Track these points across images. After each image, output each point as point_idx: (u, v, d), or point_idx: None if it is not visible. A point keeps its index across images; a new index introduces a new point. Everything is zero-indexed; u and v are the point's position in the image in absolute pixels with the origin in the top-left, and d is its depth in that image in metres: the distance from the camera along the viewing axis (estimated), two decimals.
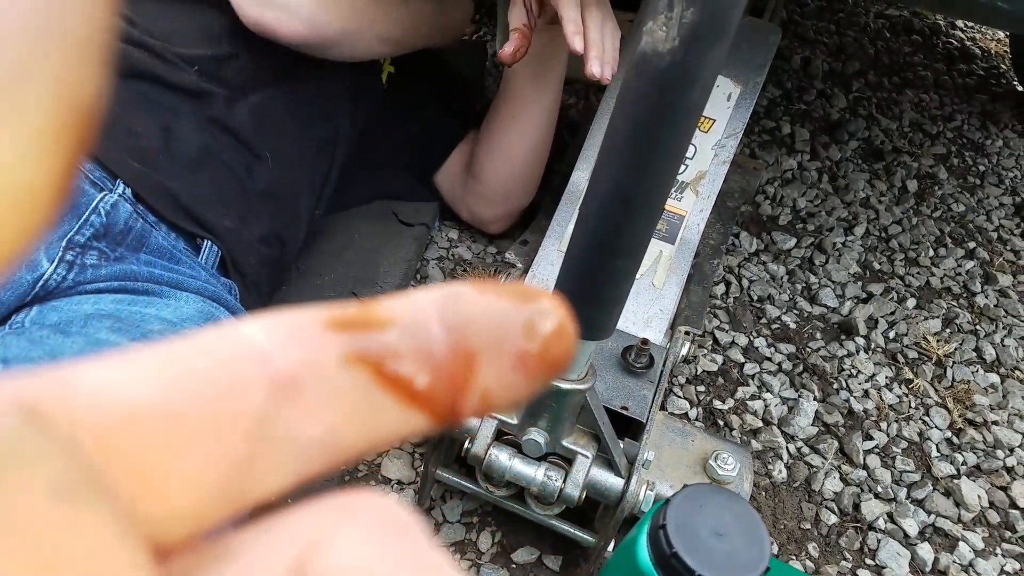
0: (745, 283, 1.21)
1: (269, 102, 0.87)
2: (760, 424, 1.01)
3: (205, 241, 0.78)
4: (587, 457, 0.68)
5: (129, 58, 0.76)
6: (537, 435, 0.67)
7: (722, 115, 0.89)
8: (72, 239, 0.65)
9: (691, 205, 0.91)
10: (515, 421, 0.69)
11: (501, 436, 0.71)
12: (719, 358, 1.09)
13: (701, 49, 0.43)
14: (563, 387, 0.62)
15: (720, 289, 1.20)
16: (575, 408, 0.66)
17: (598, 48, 0.82)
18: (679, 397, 1.03)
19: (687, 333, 0.88)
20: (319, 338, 0.12)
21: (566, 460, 0.70)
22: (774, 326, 1.16)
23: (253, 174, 0.84)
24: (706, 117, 0.89)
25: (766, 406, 1.04)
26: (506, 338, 0.13)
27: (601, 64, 0.82)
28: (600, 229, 0.52)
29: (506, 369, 0.13)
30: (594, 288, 0.54)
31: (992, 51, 1.93)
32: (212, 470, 0.11)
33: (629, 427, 0.77)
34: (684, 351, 0.89)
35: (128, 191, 0.71)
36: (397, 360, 0.12)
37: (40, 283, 0.64)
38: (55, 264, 0.64)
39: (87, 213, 0.67)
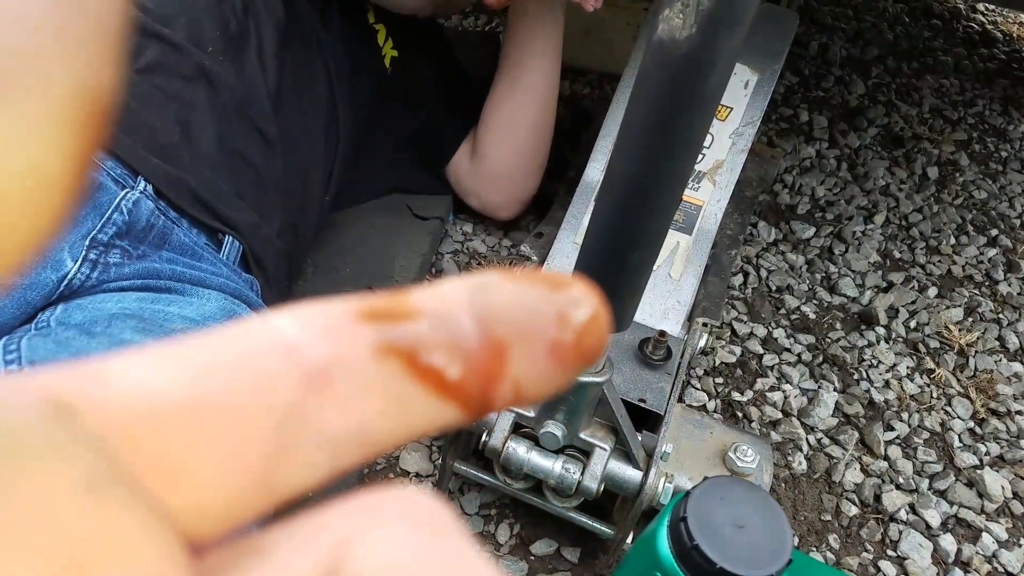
0: (764, 273, 1.20)
1: (278, 83, 0.87)
2: (780, 415, 1.01)
3: (227, 237, 0.78)
4: (605, 450, 0.68)
5: (142, 51, 0.76)
6: (555, 428, 0.67)
7: (739, 103, 0.88)
8: (95, 238, 0.66)
9: (708, 195, 0.90)
10: (532, 414, 0.69)
11: (518, 429, 0.71)
12: (737, 349, 1.08)
13: (718, 37, 0.43)
14: (581, 380, 0.62)
15: (738, 280, 1.19)
16: (593, 401, 0.66)
17: None
18: (697, 389, 1.02)
19: (705, 325, 0.87)
20: (350, 329, 0.12)
21: (584, 453, 0.70)
22: (793, 316, 1.15)
23: (268, 163, 0.85)
24: (723, 105, 0.88)
25: (785, 397, 1.03)
26: (538, 328, 0.13)
27: None
28: (617, 220, 0.52)
29: (539, 359, 0.13)
30: (611, 280, 0.54)
31: (1014, 35, 1.89)
32: (241, 464, 0.11)
33: (647, 419, 0.77)
34: (702, 343, 0.89)
35: (149, 188, 0.72)
36: (428, 350, 0.12)
37: (64, 282, 0.64)
38: (79, 263, 0.65)
39: (109, 211, 0.67)
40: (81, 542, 0.09)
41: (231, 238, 0.78)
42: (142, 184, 0.71)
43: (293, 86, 0.90)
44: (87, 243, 0.65)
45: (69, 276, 0.64)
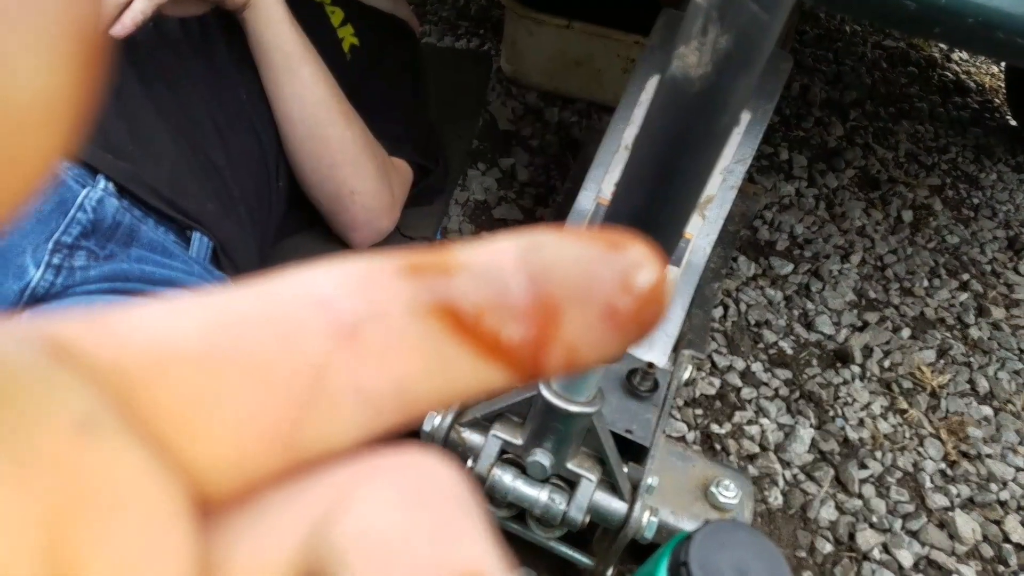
0: (743, 307, 1.21)
1: (214, 63, 0.85)
2: (757, 449, 1.01)
3: (195, 233, 0.76)
4: (591, 481, 0.67)
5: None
6: (542, 456, 0.66)
7: (732, 140, 0.89)
8: (59, 240, 0.64)
9: (698, 229, 0.90)
10: (520, 442, 0.68)
11: (504, 455, 0.70)
12: (717, 381, 1.09)
13: (733, 76, 0.43)
14: (572, 410, 0.61)
15: (719, 312, 1.20)
16: (582, 431, 0.66)
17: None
18: (677, 420, 1.02)
19: (692, 358, 0.88)
20: (389, 285, 0.11)
21: (569, 483, 0.70)
22: (771, 351, 1.16)
23: (221, 149, 0.82)
24: None
25: (763, 431, 1.03)
26: (595, 290, 0.12)
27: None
28: None
29: (594, 323, 0.12)
30: None
31: (987, 85, 1.95)
32: (260, 418, 0.10)
33: (630, 450, 0.76)
34: (686, 375, 0.89)
35: (110, 185, 0.69)
36: (473, 308, 0.11)
37: (28, 291, 0.62)
38: (42, 269, 0.63)
39: (73, 210, 0.65)
40: (75, 482, 0.09)
41: (199, 234, 0.76)
42: (102, 182, 0.69)
43: (236, 64, 0.87)
44: (51, 246, 0.63)
45: (32, 284, 0.62)
